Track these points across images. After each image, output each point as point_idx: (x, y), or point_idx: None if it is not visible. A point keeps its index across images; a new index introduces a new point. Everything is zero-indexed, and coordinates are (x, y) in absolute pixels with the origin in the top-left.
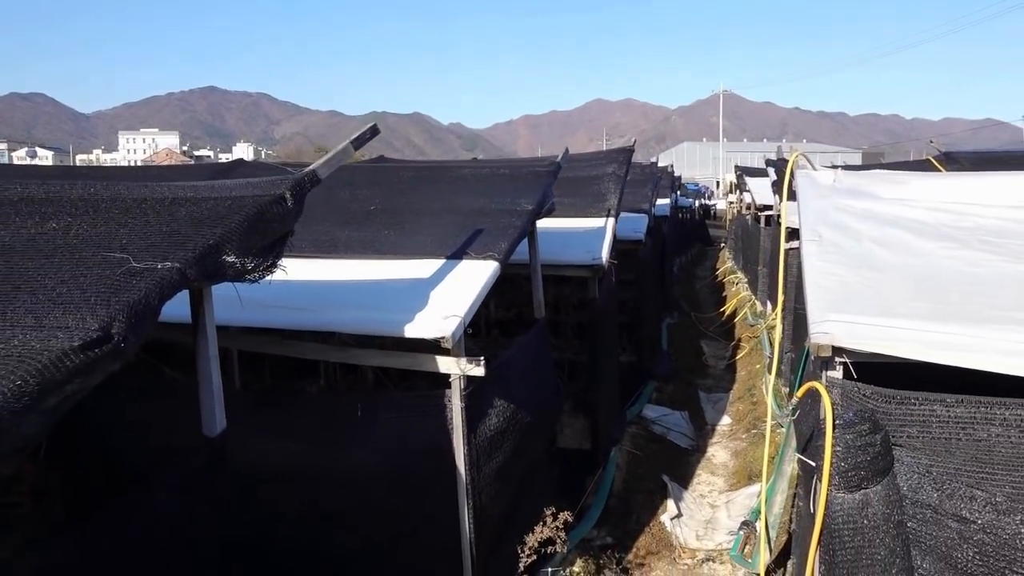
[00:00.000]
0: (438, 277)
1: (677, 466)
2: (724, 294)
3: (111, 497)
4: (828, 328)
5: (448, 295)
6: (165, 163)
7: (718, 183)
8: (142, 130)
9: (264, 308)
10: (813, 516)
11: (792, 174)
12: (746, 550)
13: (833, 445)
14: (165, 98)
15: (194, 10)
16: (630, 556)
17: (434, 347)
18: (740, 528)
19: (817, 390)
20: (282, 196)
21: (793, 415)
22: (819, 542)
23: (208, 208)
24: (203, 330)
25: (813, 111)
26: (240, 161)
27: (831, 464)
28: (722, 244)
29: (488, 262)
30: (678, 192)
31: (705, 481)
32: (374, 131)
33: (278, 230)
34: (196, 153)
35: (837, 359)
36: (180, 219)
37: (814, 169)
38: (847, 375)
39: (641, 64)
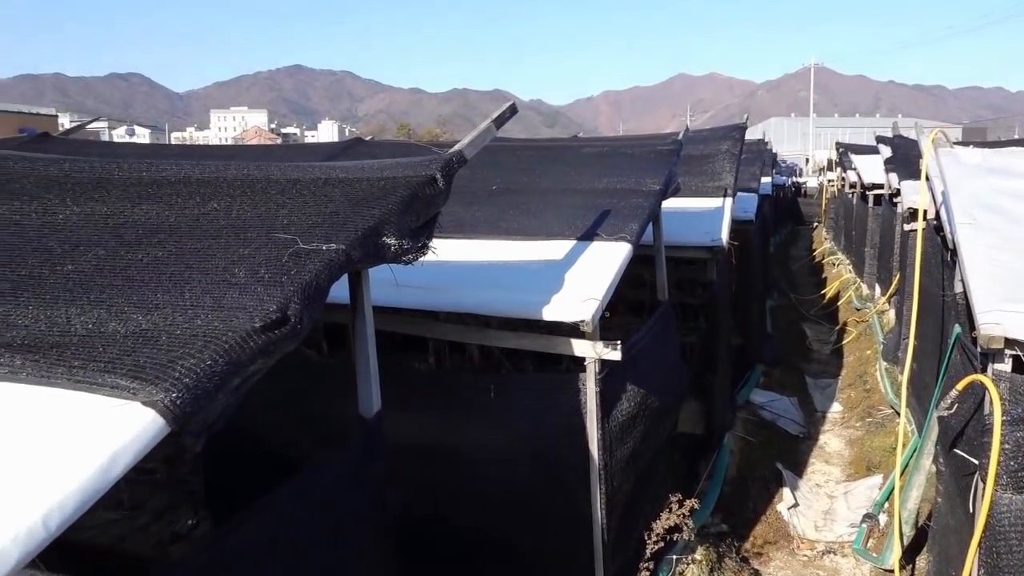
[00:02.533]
0: (570, 259)
1: (789, 453)
2: (824, 276)
3: (248, 468)
4: (999, 318)
5: (583, 277)
6: (255, 141)
7: (807, 160)
8: (232, 108)
9: (398, 288)
10: (972, 516)
11: (924, 153)
12: (870, 544)
13: (1001, 443)
14: (253, 77)
15: None
16: (747, 545)
17: (568, 329)
18: (863, 521)
19: (981, 383)
20: (433, 177)
21: (950, 409)
22: (980, 544)
23: (363, 189)
24: (361, 311)
25: (909, 84)
26: (358, 140)
27: (998, 463)
28: (816, 223)
29: (620, 244)
30: (774, 170)
31: (820, 470)
32: (512, 110)
33: (430, 211)
34: (283, 131)
35: (1008, 351)
36: (337, 200)
37: (951, 147)
38: (1016, 368)
39: (727, 37)
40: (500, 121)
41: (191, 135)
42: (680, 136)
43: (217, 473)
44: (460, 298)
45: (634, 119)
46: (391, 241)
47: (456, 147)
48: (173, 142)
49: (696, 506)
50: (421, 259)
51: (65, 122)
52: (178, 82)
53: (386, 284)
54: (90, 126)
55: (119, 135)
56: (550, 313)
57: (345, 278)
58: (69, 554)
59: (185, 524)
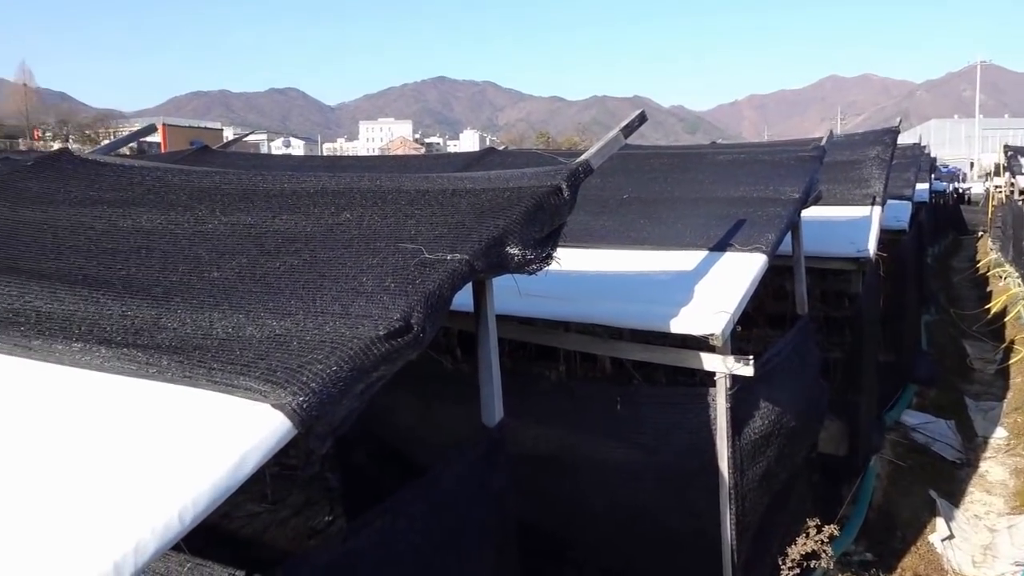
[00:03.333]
0: (701, 270)
1: (944, 481)
2: (988, 289)
3: (380, 467)
4: None
5: (714, 289)
6: (399, 151)
7: (972, 164)
8: (379, 119)
9: (524, 297)
10: None
11: None
12: None
13: None
14: (400, 89)
15: (426, 3)
16: None
17: (698, 343)
18: None
19: None
20: (558, 187)
21: None
22: None
23: (488, 199)
24: (484, 321)
25: None
26: (491, 150)
27: None
28: (981, 232)
29: (755, 255)
30: (933, 175)
31: (979, 500)
32: (642, 118)
33: (555, 221)
34: (427, 140)
35: None
36: (463, 210)
37: None
38: None
39: (882, 35)
40: (629, 130)
41: (341, 146)
42: (823, 141)
43: (357, 472)
44: (586, 308)
45: (780, 124)
46: (515, 251)
47: (582, 156)
48: (325, 152)
49: (836, 532)
50: (547, 269)
51: (229, 134)
52: (330, 95)
53: (514, 293)
54: (250, 138)
55: (276, 147)
56: (678, 325)
57: (470, 287)
58: (217, 540)
59: (322, 520)
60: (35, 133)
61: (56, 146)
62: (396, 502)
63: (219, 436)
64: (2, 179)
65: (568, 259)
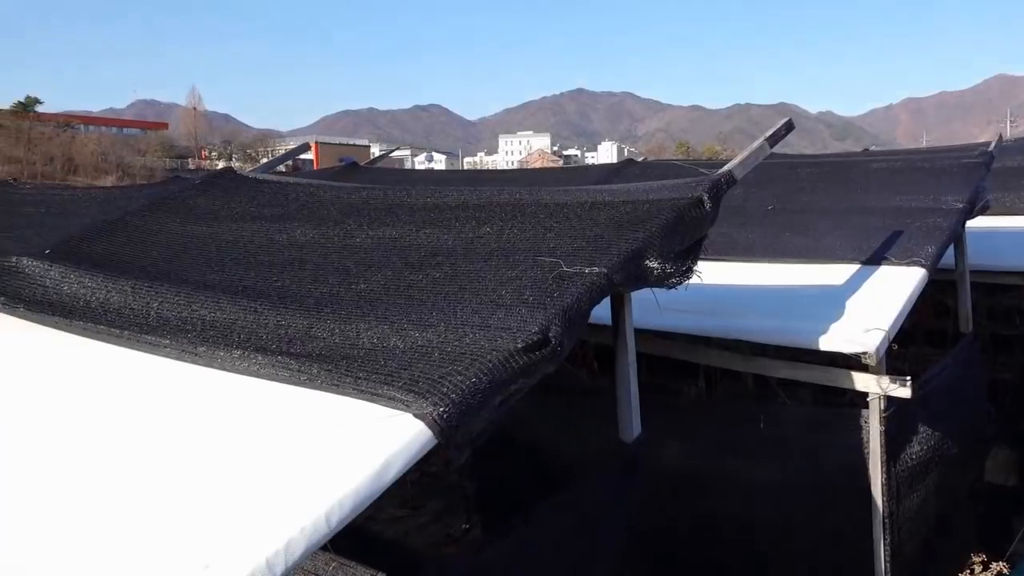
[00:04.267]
0: (852, 284)
1: None
2: None
3: (516, 478)
4: None
5: (867, 305)
6: (537, 163)
7: None
8: (518, 133)
9: (664, 311)
10: None
11: None
12: None
13: None
14: (539, 102)
15: (565, 16)
16: None
17: (849, 361)
18: None
19: None
20: (700, 199)
21: None
22: None
23: (627, 212)
24: (623, 336)
25: None
26: (630, 161)
27: None
28: None
29: (913, 269)
30: None
31: None
32: (789, 126)
33: (696, 234)
34: (565, 152)
35: None
36: (602, 223)
37: None
38: None
39: None
40: (775, 139)
41: (481, 159)
42: (991, 146)
43: (494, 482)
44: (729, 323)
45: (940, 128)
46: (654, 264)
47: (726, 167)
48: (465, 166)
49: (1006, 569)
50: (688, 282)
51: (375, 151)
52: (471, 110)
53: (654, 307)
54: (395, 154)
55: (419, 162)
56: (827, 343)
57: (609, 300)
58: (363, 540)
59: (459, 527)
60: (203, 153)
61: (221, 165)
62: (532, 515)
63: (364, 443)
64: (173, 197)
65: (710, 272)
